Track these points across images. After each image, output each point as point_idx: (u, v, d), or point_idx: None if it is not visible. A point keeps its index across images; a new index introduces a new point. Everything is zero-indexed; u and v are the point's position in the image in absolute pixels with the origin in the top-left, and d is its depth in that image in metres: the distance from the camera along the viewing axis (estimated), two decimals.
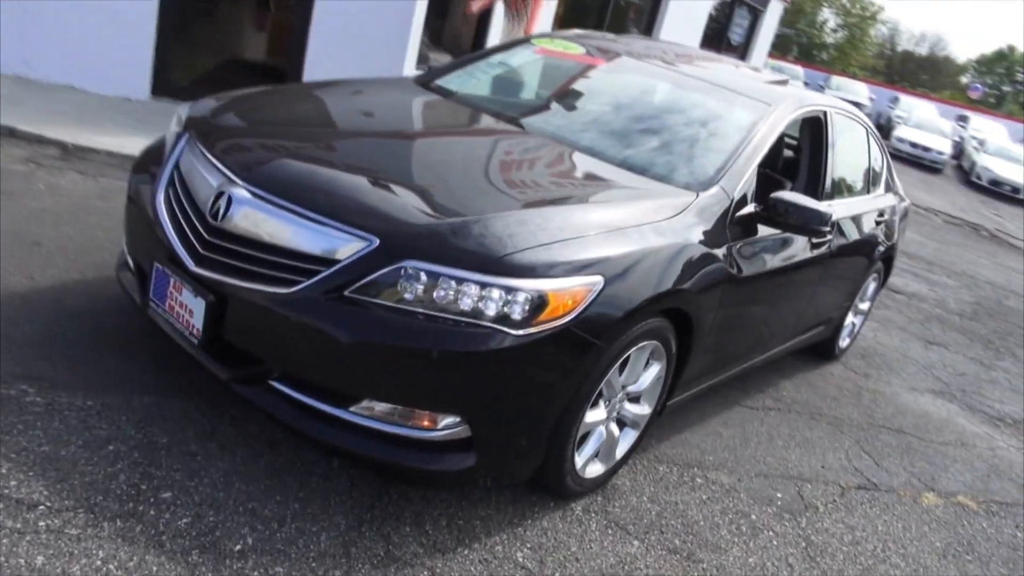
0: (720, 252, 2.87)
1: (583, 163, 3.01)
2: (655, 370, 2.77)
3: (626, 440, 2.83)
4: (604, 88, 3.75)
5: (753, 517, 2.95)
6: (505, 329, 2.13)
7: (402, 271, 2.14)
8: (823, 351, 4.82)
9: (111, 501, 2.08)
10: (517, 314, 2.15)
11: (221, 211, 2.29)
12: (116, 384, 2.57)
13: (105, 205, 4.05)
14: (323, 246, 2.20)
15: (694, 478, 3.09)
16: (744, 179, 3.09)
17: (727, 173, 3.03)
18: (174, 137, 2.77)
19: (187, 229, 2.39)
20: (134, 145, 4.71)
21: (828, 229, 3.06)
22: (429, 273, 2.14)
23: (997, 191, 20.53)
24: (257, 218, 2.27)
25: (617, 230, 2.49)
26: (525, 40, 4.10)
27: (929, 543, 3.18)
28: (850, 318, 4.91)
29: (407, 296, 2.14)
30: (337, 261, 2.17)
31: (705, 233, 2.81)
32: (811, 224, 3.01)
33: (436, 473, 2.22)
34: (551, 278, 2.21)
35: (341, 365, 2.15)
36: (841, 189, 4.06)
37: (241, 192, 2.30)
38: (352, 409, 2.19)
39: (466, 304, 2.13)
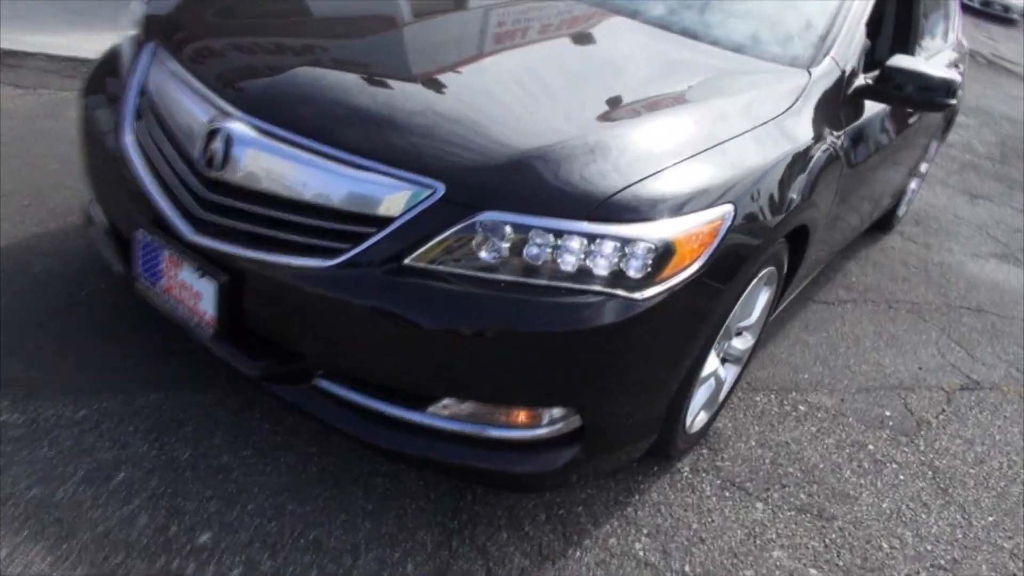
0: (837, 142, 2.32)
1: (667, 44, 2.37)
2: (765, 297, 2.29)
3: (729, 378, 2.39)
4: None
5: (871, 447, 2.57)
6: (624, 294, 1.61)
7: (479, 225, 1.58)
8: (883, 223, 4.36)
9: (136, 559, 1.61)
10: (637, 271, 1.62)
11: (219, 156, 1.68)
12: (109, 380, 2.04)
13: (55, 127, 3.33)
14: (368, 199, 1.62)
15: (796, 406, 2.68)
16: (854, 44, 2.48)
17: (836, 39, 2.41)
18: (132, 45, 2.08)
19: (175, 182, 1.78)
20: (79, 43, 3.88)
21: (955, 101, 2.50)
22: (516, 226, 1.59)
23: (988, 12, 19.58)
24: (271, 164, 1.66)
25: (736, 137, 1.92)
26: None
27: None
28: (912, 184, 4.42)
29: (489, 259, 1.59)
30: (390, 219, 1.60)
31: (824, 123, 2.24)
32: (936, 97, 2.43)
33: (536, 475, 1.76)
34: (675, 217, 1.66)
35: (410, 358, 1.62)
36: (928, 43, 3.44)
37: (242, 129, 1.68)
38: (430, 410, 1.69)
39: (569, 264, 1.59)
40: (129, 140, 1.89)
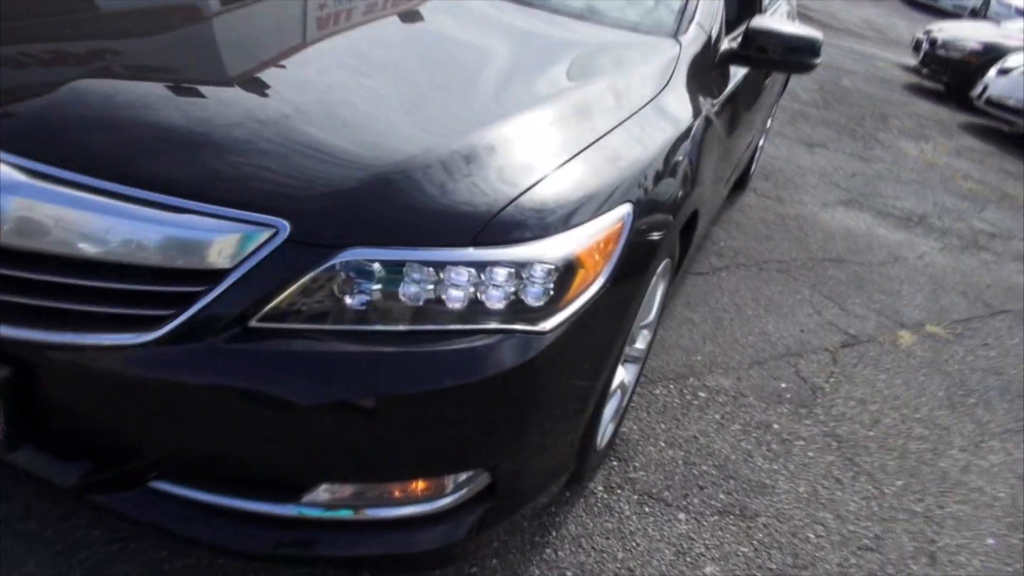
0: (713, 113, 2.15)
1: (519, 18, 2.10)
2: (662, 289, 2.10)
3: (631, 381, 2.20)
4: None
5: (775, 427, 2.48)
6: (526, 328, 1.34)
7: (340, 267, 1.26)
8: (739, 182, 4.36)
9: None
10: (537, 298, 1.35)
11: None
12: None
13: None
14: (191, 249, 1.25)
15: (696, 393, 2.55)
16: (715, 5, 2.32)
17: (699, 3, 2.24)
18: None
19: None
20: None
21: (819, 60, 2.40)
22: (387, 262, 1.28)
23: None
24: (53, 216, 1.25)
25: (618, 126, 1.69)
26: None
27: (933, 395, 2.89)
28: (760, 140, 4.44)
29: (357, 306, 1.28)
30: (223, 272, 1.25)
31: (700, 96, 2.07)
32: (803, 58, 2.33)
33: (444, 549, 1.47)
34: (572, 229, 1.41)
35: (272, 442, 1.29)
36: None
37: (5, 172, 1.26)
38: (304, 500, 1.36)
39: (457, 300, 1.31)
40: None
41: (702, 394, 2.55)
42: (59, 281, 1.26)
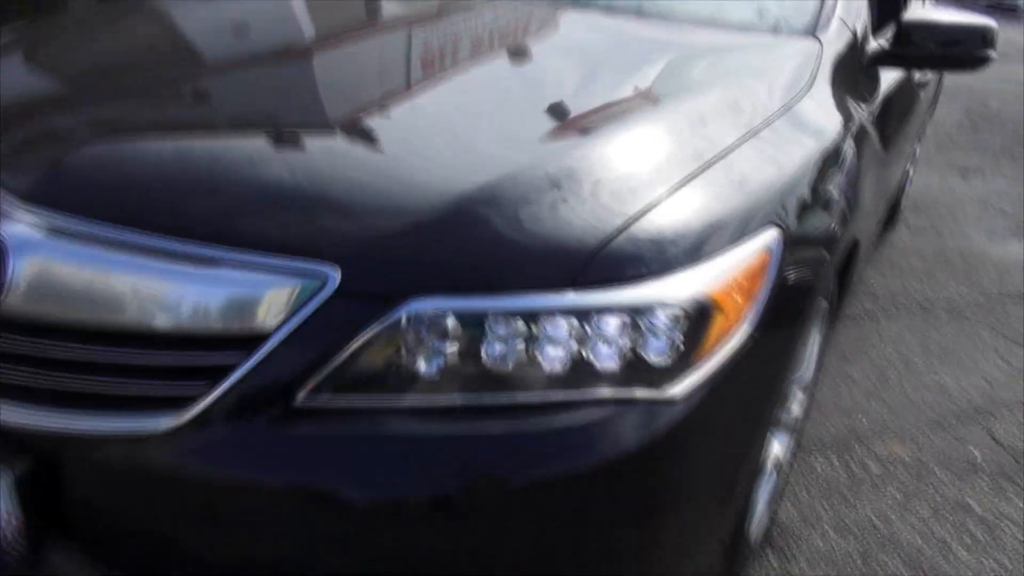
0: (868, 122, 1.77)
1: (638, 31, 1.82)
2: (818, 340, 1.71)
3: (785, 453, 1.79)
4: None
5: (973, 505, 1.98)
6: (649, 394, 1.01)
7: (406, 321, 0.98)
8: (888, 215, 3.84)
9: None
10: (661, 354, 1.02)
11: None
12: None
13: None
14: (222, 308, 1.00)
15: (865, 464, 2.09)
16: (861, 1, 1.96)
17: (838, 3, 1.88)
18: None
19: None
20: None
21: (995, 52, 1.98)
22: (463, 314, 0.99)
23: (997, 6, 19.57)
24: (71, 277, 1.04)
25: (748, 139, 1.35)
26: None
27: None
28: (909, 167, 3.93)
29: (428, 373, 0.99)
30: (259, 337, 0.99)
31: (851, 100, 1.70)
32: (974, 50, 1.91)
33: None
34: (703, 262, 1.08)
35: (325, 556, 1.00)
36: None
37: (21, 229, 1.07)
38: None
39: (556, 360, 1.00)
40: None
41: (873, 466, 2.09)
42: (75, 356, 1.04)
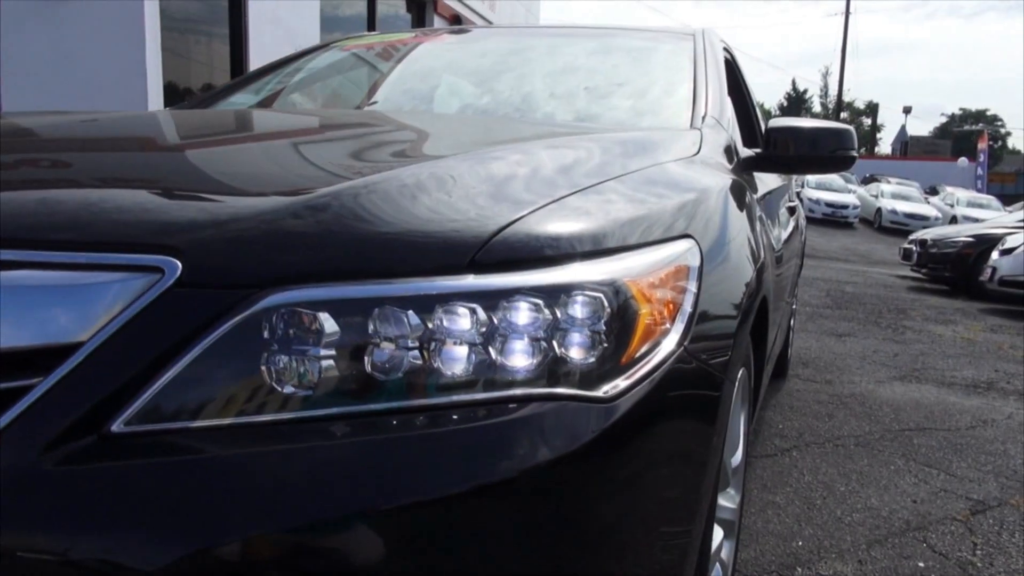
0: (759, 206, 1.78)
1: (522, 128, 1.80)
2: (742, 420, 1.56)
3: (728, 557, 1.55)
4: (481, 59, 2.53)
5: None
6: (578, 391, 0.83)
7: (265, 318, 0.78)
8: (778, 368, 3.88)
9: None
10: (586, 347, 0.85)
11: None
12: None
13: None
14: (14, 322, 0.77)
15: None
16: (727, 111, 2.05)
17: (708, 104, 1.96)
18: None
19: None
20: None
21: (855, 153, 2.08)
22: (340, 306, 0.80)
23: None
24: None
25: (655, 165, 1.30)
26: (323, 46, 2.83)
27: None
28: (790, 320, 4.05)
29: (295, 383, 0.78)
30: (69, 349, 0.76)
31: (741, 177, 1.71)
32: (842, 146, 2.00)
33: None
34: (619, 253, 0.95)
35: None
36: None
37: None
38: None
39: (457, 360, 0.81)
40: None
41: None
42: None
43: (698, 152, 1.58)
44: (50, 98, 4.57)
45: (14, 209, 0.85)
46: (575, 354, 0.85)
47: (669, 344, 0.94)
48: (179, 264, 0.78)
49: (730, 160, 1.81)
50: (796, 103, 65.54)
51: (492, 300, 0.83)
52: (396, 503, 0.75)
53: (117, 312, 0.76)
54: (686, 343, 0.96)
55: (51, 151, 1.20)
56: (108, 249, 0.80)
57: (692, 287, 1.03)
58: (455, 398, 0.80)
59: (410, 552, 0.76)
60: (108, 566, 0.70)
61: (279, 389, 0.78)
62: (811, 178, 19.61)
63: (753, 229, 1.51)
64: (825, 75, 66.23)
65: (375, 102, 2.35)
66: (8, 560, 0.70)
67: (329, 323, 0.79)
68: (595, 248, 0.92)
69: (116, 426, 0.74)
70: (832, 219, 20.34)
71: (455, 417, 0.79)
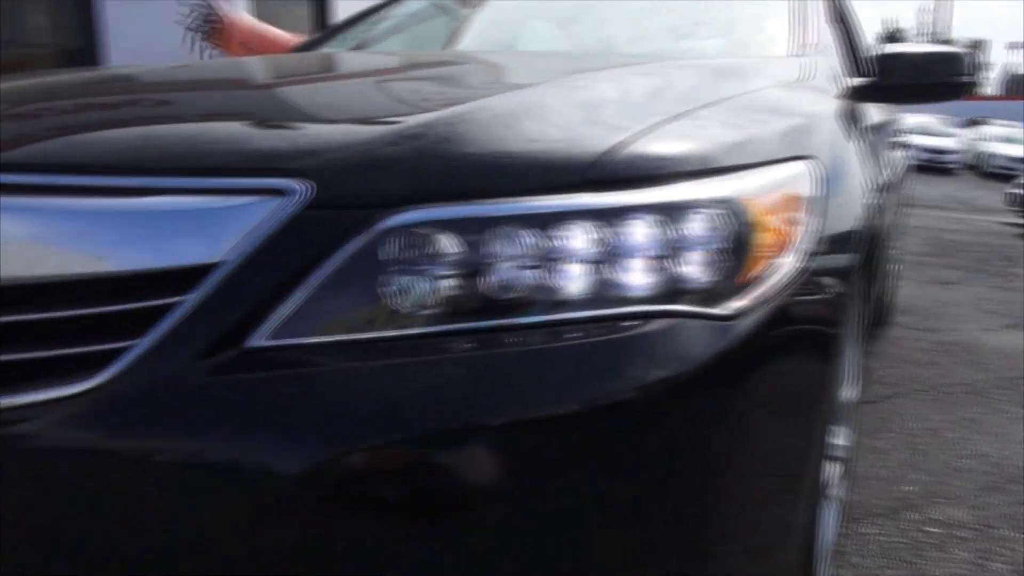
0: (872, 140, 1.70)
1: (613, 60, 1.77)
2: (852, 355, 1.51)
3: (838, 492, 1.52)
4: (562, 2, 2.50)
5: None
6: (700, 309, 0.82)
7: (388, 239, 0.80)
8: (879, 316, 3.73)
9: None
10: (705, 265, 0.84)
11: None
12: None
13: None
14: (151, 245, 0.81)
15: (923, 528, 1.81)
16: (829, 38, 1.96)
17: (808, 31, 1.87)
18: None
19: None
20: None
21: (971, 76, 1.95)
22: (457, 225, 0.81)
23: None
24: None
25: (757, 90, 1.26)
26: None
27: None
28: (893, 267, 3.88)
29: (416, 300, 0.80)
30: (204, 271, 0.79)
31: (844, 104, 1.63)
32: (955, 71, 1.88)
33: None
34: (734, 172, 0.92)
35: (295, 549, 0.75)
36: None
37: None
38: None
39: (575, 277, 0.81)
40: None
41: (934, 530, 1.81)
42: None
43: (801, 78, 1.52)
44: (150, 58, 4.75)
45: (154, 140, 0.90)
46: (691, 272, 0.83)
47: (785, 268, 0.92)
48: (307, 187, 0.80)
49: (835, 88, 1.73)
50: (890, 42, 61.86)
51: (608, 218, 0.82)
52: (511, 419, 0.76)
53: (251, 233, 0.79)
54: (802, 268, 0.93)
55: (175, 91, 1.25)
56: (239, 174, 0.83)
57: (807, 213, 0.99)
58: (572, 315, 0.81)
59: (521, 469, 0.77)
60: (252, 469, 0.74)
61: (400, 306, 0.80)
62: (909, 121, 18.69)
63: (864, 160, 1.45)
64: (926, 11, 62.29)
65: (459, 47, 2.35)
66: (162, 465, 0.75)
67: (448, 242, 0.80)
68: (708, 167, 0.90)
69: (255, 341, 0.77)
70: (932, 165, 19.31)
71: (573, 334, 0.79)
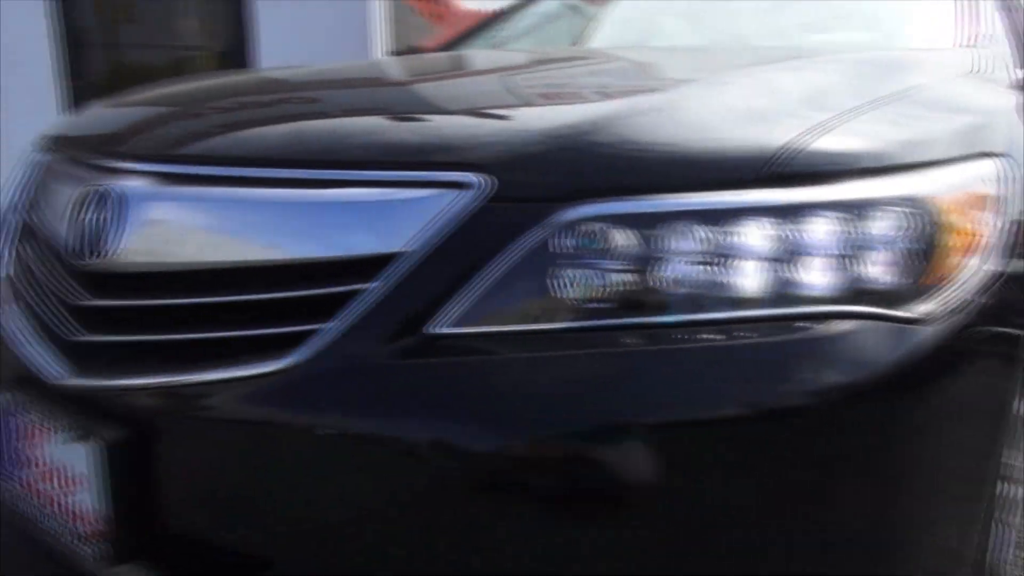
0: None
1: (766, 54, 1.74)
2: None
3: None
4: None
5: None
6: (884, 311, 0.80)
7: (565, 232, 0.82)
8: None
9: None
10: (889, 266, 0.82)
11: (92, 231, 0.96)
12: None
13: None
14: (342, 234, 0.87)
15: None
16: (1000, 27, 1.83)
17: (976, 20, 1.76)
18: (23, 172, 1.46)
19: (43, 305, 1.06)
20: None
21: None
22: (633, 220, 0.82)
23: None
24: (182, 223, 0.94)
25: (929, 85, 1.20)
26: None
27: None
28: None
29: (591, 293, 0.81)
30: (387, 260, 0.84)
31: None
32: None
33: None
34: (919, 169, 0.89)
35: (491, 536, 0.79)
36: None
37: (131, 184, 0.97)
38: None
39: (747, 276, 0.81)
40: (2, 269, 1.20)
41: None
42: (182, 304, 0.91)
43: (976, 70, 1.43)
44: (295, 60, 5.01)
45: (338, 135, 0.96)
46: (875, 272, 0.81)
47: (973, 271, 0.88)
48: (487, 180, 0.84)
49: (1009, 80, 1.62)
50: None
51: (787, 215, 0.81)
52: (679, 417, 0.77)
53: (433, 224, 0.83)
54: (991, 271, 0.89)
55: (348, 88, 1.33)
56: (422, 167, 0.87)
57: (995, 213, 0.95)
58: (747, 313, 0.80)
59: (681, 471, 0.77)
60: (432, 451, 0.78)
61: (573, 299, 0.81)
62: None
63: None
64: None
65: (590, 44, 2.36)
66: (348, 440, 0.81)
67: (622, 237, 0.81)
68: (891, 164, 0.87)
69: (435, 328, 0.81)
70: None
71: (746, 333, 0.79)
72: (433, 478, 0.79)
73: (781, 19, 2.18)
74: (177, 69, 5.32)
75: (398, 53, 5.18)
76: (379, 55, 5.20)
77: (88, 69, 4.78)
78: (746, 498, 0.78)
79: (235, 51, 5.10)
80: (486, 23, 2.70)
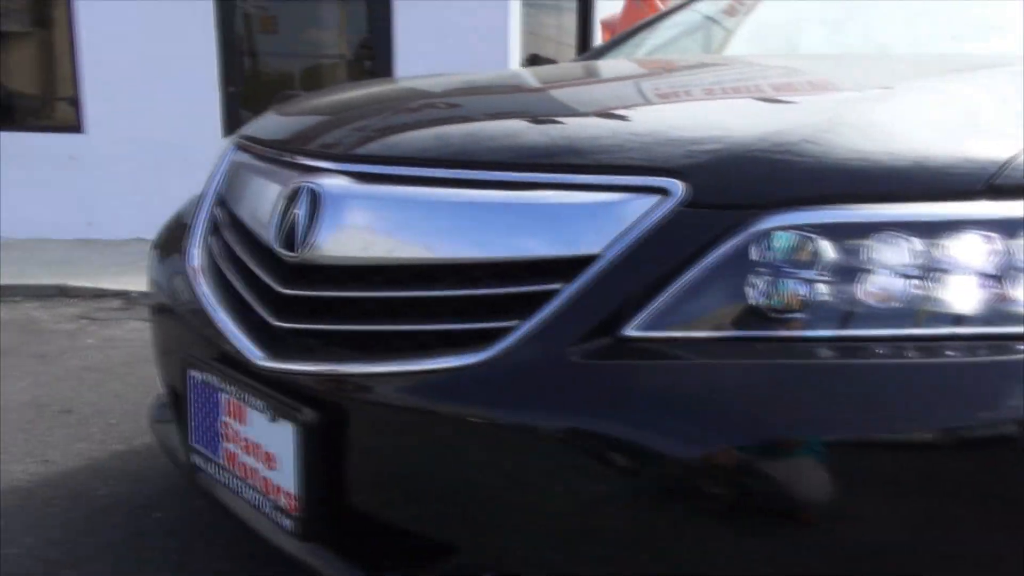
0: None
1: (951, 62, 1.65)
2: None
3: None
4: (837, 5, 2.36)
5: None
6: None
7: (763, 240, 0.81)
8: None
9: None
10: None
11: (300, 225, 1.03)
12: None
13: None
14: (537, 235, 0.89)
15: None
16: None
17: None
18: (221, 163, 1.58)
19: (246, 291, 1.14)
20: None
21: None
22: (837, 230, 0.80)
23: None
24: (382, 220, 0.99)
25: None
26: (678, 8, 2.81)
27: None
28: None
29: (790, 303, 0.80)
30: (584, 261, 0.85)
31: None
32: None
33: None
34: None
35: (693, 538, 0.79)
36: None
37: (335, 182, 1.04)
38: None
39: (962, 292, 0.77)
40: (195, 254, 1.30)
41: None
42: (381, 296, 0.96)
43: None
44: (431, 68, 5.17)
45: (533, 140, 0.98)
46: None
47: None
48: (685, 187, 0.84)
49: None
50: None
51: (1011, 229, 0.77)
52: (874, 437, 0.74)
53: (630, 229, 0.84)
54: None
55: (529, 94, 1.36)
56: (619, 172, 0.88)
57: None
58: (959, 331, 0.76)
59: (867, 491, 0.74)
60: (624, 450, 0.79)
61: (769, 308, 0.80)
62: None
63: None
64: None
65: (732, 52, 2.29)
66: (537, 435, 0.82)
67: (825, 246, 0.79)
68: None
69: (627, 330, 0.82)
70: None
71: (955, 352, 0.75)
72: (622, 478, 0.80)
73: (930, 28, 2.05)
74: (316, 77, 5.59)
75: (530, 62, 5.22)
76: (515, 63, 5.27)
77: (237, 77, 5.11)
78: (934, 531, 0.75)
79: (376, 58, 5.28)
80: (622, 37, 2.67)
